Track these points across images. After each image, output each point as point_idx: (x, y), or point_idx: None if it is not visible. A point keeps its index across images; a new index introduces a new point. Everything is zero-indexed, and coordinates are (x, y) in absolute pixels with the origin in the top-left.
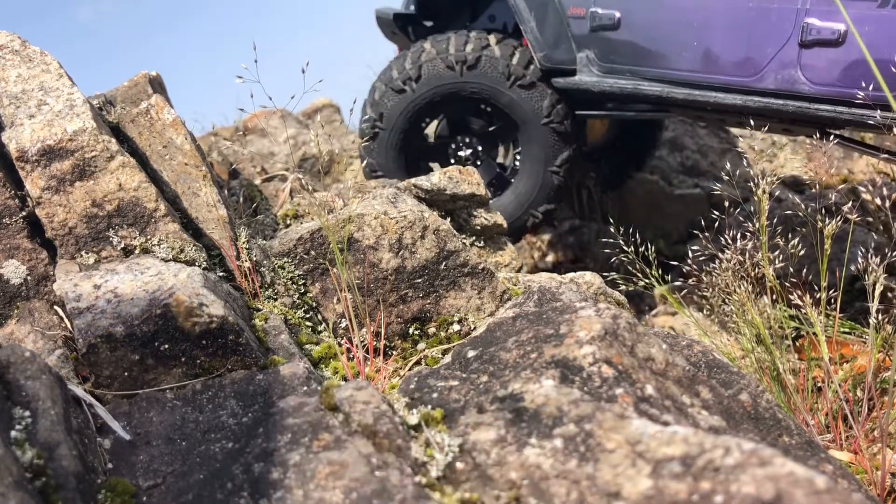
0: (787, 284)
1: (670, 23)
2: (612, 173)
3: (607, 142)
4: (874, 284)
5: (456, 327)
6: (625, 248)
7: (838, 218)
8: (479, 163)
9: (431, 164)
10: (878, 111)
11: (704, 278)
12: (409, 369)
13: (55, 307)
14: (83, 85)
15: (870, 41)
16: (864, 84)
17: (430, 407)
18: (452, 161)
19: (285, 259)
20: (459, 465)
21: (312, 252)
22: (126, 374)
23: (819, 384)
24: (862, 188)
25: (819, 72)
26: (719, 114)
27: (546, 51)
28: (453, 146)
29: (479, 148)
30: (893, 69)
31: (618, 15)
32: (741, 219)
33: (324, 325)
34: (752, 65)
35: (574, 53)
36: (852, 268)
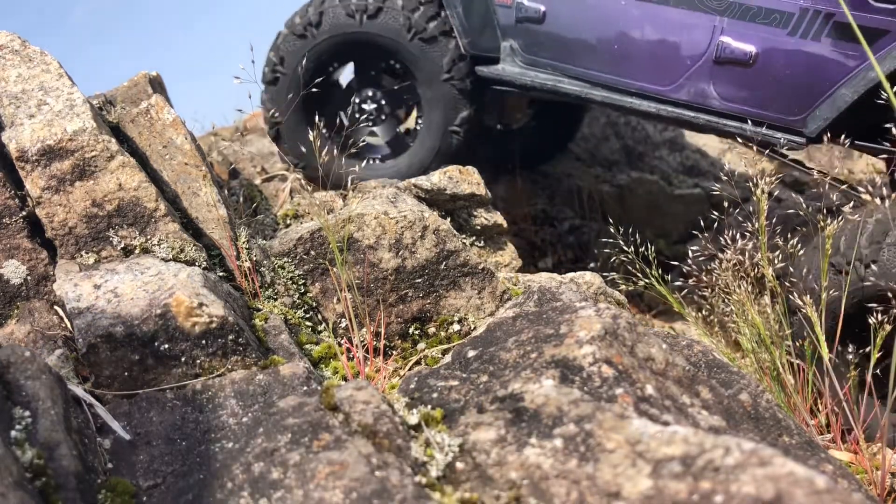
0: (787, 284)
1: (594, 23)
2: (532, 153)
3: (529, 121)
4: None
5: (456, 327)
6: (625, 248)
7: (839, 218)
8: (383, 117)
9: (339, 114)
10: (781, 133)
11: (704, 278)
12: (409, 369)
13: (55, 307)
14: (80, 85)
15: (776, 65)
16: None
17: (430, 407)
18: (357, 115)
19: (285, 259)
20: (459, 465)
21: (312, 252)
22: (126, 374)
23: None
24: (862, 188)
25: (730, 89)
26: (637, 115)
27: (471, 37)
28: (358, 99)
29: (384, 103)
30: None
31: (543, 9)
32: (741, 219)
33: (324, 325)
34: (669, 75)
35: (499, 42)
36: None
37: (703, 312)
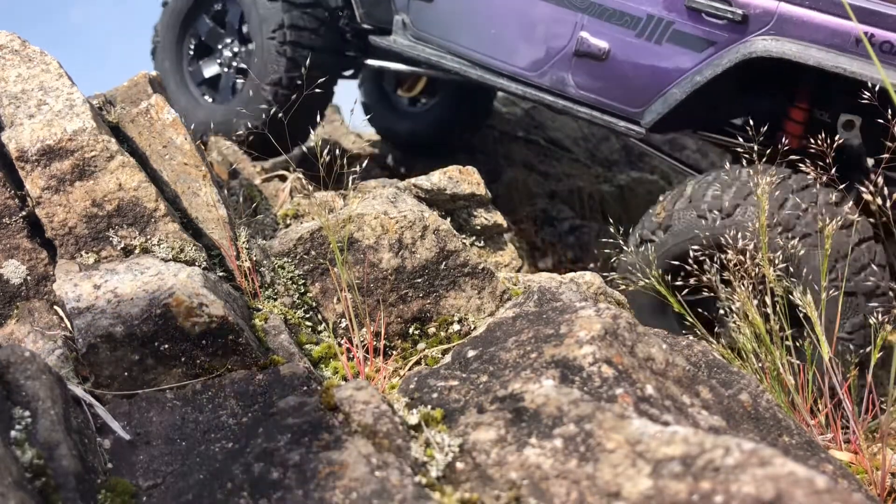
0: (787, 284)
1: (476, 8)
2: (445, 130)
3: (441, 99)
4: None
5: (456, 327)
6: (625, 248)
7: (839, 218)
8: (233, 64)
9: (202, 64)
10: (623, 122)
11: (704, 278)
12: (409, 369)
13: (55, 307)
14: (79, 85)
15: (624, 62)
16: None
17: (430, 407)
18: (218, 62)
19: (285, 259)
20: (459, 465)
21: (312, 252)
22: (126, 374)
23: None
24: (862, 189)
25: (585, 79)
26: (508, 93)
27: (366, 8)
28: (220, 46)
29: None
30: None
31: None
32: (741, 219)
33: (324, 325)
34: (536, 62)
35: (392, 15)
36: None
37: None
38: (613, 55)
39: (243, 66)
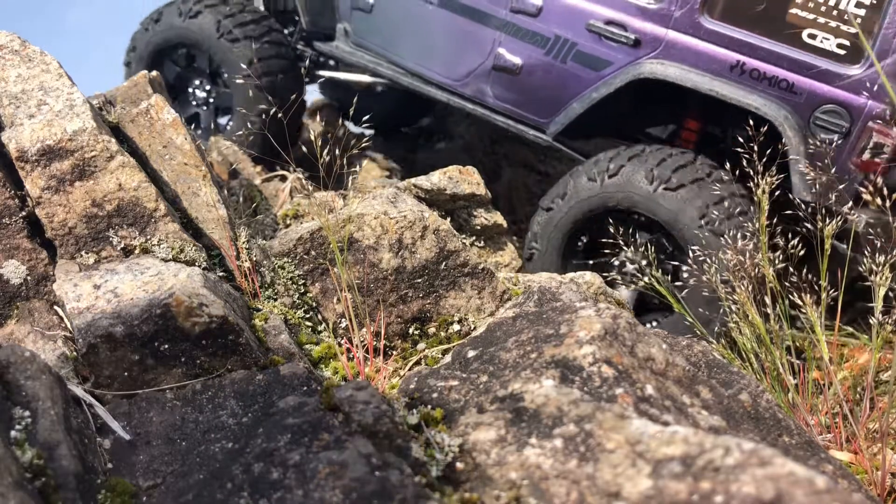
0: (787, 284)
1: (409, 22)
2: (396, 117)
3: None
4: (879, 285)
5: (456, 327)
6: (625, 247)
7: (839, 218)
8: (209, 101)
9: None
10: (532, 130)
11: (704, 278)
12: (409, 369)
13: (55, 307)
14: (78, 86)
15: (535, 77)
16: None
17: (430, 407)
18: (191, 100)
19: (285, 259)
20: (459, 465)
21: (312, 252)
22: (126, 374)
23: (820, 382)
24: (861, 188)
25: (501, 91)
26: (435, 101)
27: (311, 17)
28: (191, 88)
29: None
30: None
31: (371, 2)
32: (741, 219)
33: (324, 325)
34: (460, 74)
35: (335, 24)
36: (861, 268)
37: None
38: (526, 70)
39: (224, 103)
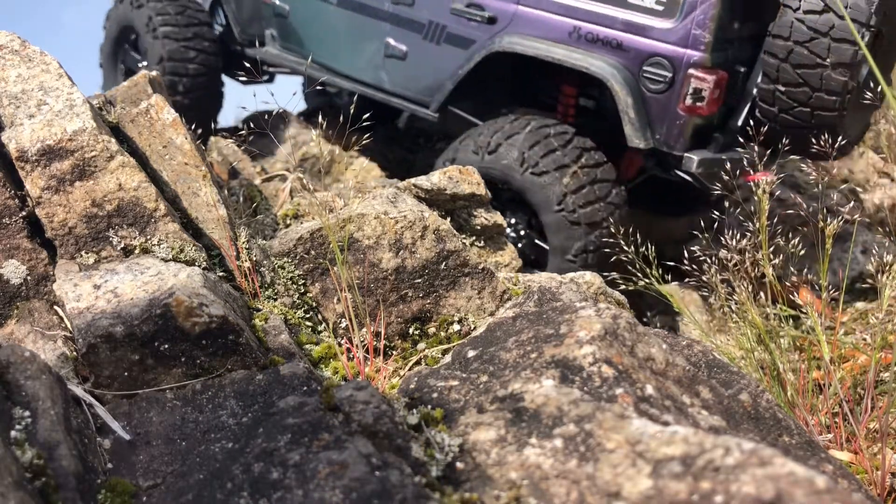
0: (788, 284)
1: (318, 22)
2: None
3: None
4: (886, 285)
5: (456, 327)
6: (625, 248)
7: (839, 218)
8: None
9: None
10: (421, 109)
11: (704, 278)
12: (409, 369)
13: (55, 307)
14: (78, 85)
15: (417, 61)
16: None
17: (430, 407)
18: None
19: (285, 259)
20: (459, 465)
21: (312, 252)
22: (126, 374)
23: (820, 382)
24: (860, 188)
25: (394, 76)
26: (346, 89)
27: (242, 26)
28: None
29: None
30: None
31: (288, 7)
32: (741, 219)
33: (324, 325)
34: (360, 63)
35: (264, 30)
36: (869, 267)
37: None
38: (410, 55)
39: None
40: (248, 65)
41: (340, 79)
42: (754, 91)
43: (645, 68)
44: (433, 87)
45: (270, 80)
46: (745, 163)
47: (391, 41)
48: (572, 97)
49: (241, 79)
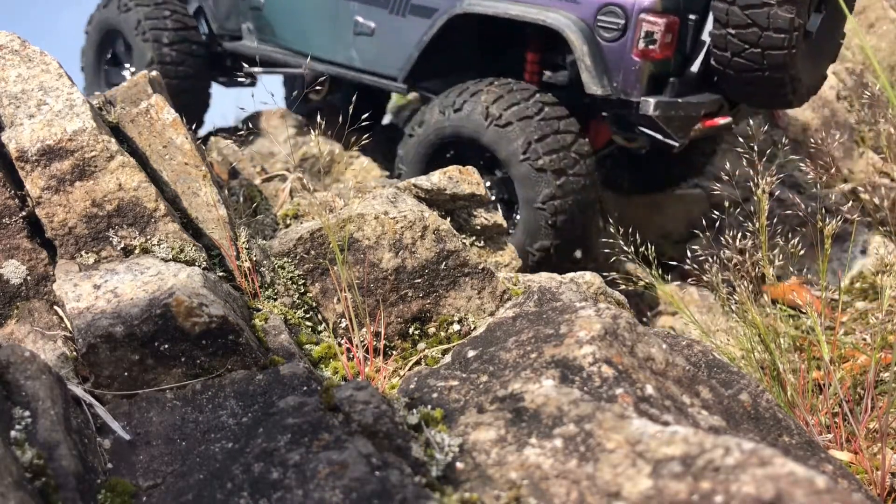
0: (786, 284)
1: (289, 11)
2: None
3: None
4: (886, 285)
5: (456, 327)
6: (625, 248)
7: (839, 218)
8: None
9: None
10: (392, 83)
11: (705, 278)
12: (409, 369)
13: (55, 307)
14: (78, 86)
15: (385, 35)
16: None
17: (430, 407)
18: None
19: (285, 259)
20: (459, 465)
21: (312, 252)
22: (126, 374)
23: (820, 382)
24: (861, 188)
25: (363, 53)
26: (321, 72)
27: (220, 22)
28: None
29: None
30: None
31: (262, 0)
32: (741, 219)
33: (324, 325)
34: (331, 44)
35: (240, 24)
36: (869, 267)
37: (705, 310)
38: (378, 31)
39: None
40: (233, 66)
41: (315, 63)
42: (708, 40)
43: (599, 17)
44: (401, 59)
45: (252, 84)
46: (703, 109)
47: (360, 19)
48: (536, 63)
49: (220, 80)
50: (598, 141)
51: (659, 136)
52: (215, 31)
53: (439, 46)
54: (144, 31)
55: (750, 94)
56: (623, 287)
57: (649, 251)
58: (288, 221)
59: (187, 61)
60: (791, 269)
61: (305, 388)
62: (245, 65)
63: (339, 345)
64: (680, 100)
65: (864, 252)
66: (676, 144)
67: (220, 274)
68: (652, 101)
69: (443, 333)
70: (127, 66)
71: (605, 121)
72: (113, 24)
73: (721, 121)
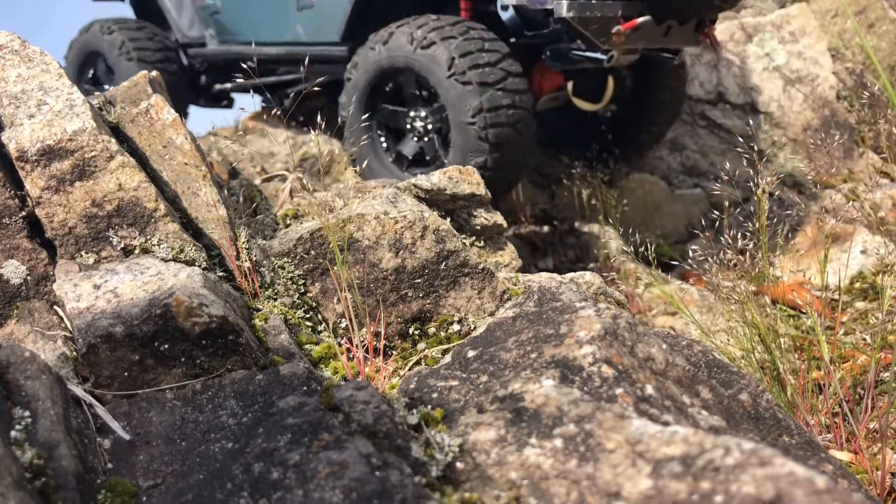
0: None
1: (241, 6)
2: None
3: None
4: (886, 285)
5: (456, 327)
6: (625, 248)
7: (839, 218)
8: None
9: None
10: (336, 48)
11: (705, 278)
12: (409, 369)
13: (55, 307)
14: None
15: (324, 5)
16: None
17: (430, 407)
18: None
19: (285, 259)
20: (459, 465)
21: (312, 252)
22: (126, 374)
23: (820, 383)
24: (861, 188)
25: (306, 26)
26: (273, 64)
27: (183, 31)
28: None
29: None
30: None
31: (219, 4)
32: (741, 219)
33: (324, 325)
34: (280, 25)
35: (203, 31)
36: (869, 267)
37: (704, 310)
38: (318, 3)
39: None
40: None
41: (269, 49)
42: None
43: None
44: (337, 23)
45: (229, 106)
46: (620, 10)
47: None
48: (470, 11)
49: (200, 103)
50: (546, 84)
51: (586, 51)
52: (181, 42)
53: (375, 3)
54: (129, 50)
55: (678, 10)
56: (623, 287)
57: (649, 251)
58: (288, 221)
59: (170, 80)
60: (791, 269)
61: (305, 388)
62: (217, 85)
63: (339, 345)
64: (595, 1)
65: (864, 252)
66: (604, 58)
67: (220, 274)
68: (565, 2)
69: (443, 333)
70: (106, 87)
71: (548, 61)
72: (95, 47)
73: (640, 20)
